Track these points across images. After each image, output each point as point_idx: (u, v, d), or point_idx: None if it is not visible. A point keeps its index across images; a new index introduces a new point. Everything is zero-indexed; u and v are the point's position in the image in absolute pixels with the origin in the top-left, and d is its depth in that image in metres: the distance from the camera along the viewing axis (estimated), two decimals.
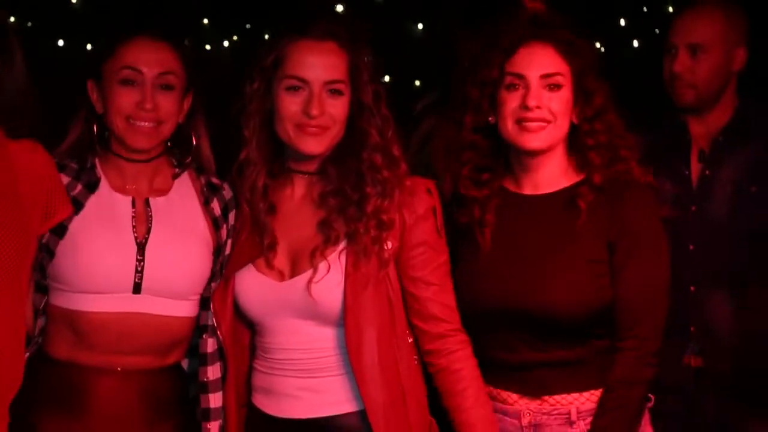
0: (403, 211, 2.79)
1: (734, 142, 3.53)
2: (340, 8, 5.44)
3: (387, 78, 5.26)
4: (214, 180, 2.96)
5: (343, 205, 2.78)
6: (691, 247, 3.44)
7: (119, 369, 2.79)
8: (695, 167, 3.55)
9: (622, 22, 5.41)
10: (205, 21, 5.51)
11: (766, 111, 3.57)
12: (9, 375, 2.65)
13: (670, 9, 3.75)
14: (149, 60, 2.81)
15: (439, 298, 2.81)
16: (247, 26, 5.45)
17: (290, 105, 2.76)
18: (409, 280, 2.80)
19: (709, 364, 3.43)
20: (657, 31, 3.92)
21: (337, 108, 2.77)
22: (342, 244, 2.76)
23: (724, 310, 3.43)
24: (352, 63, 2.80)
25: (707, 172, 3.50)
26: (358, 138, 2.80)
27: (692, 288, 3.43)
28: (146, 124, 2.81)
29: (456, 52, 3.40)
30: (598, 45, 3.75)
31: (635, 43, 5.40)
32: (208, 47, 5.46)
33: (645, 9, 5.36)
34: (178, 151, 2.94)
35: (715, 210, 3.46)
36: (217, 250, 2.88)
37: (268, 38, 2.86)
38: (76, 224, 2.79)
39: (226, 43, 5.53)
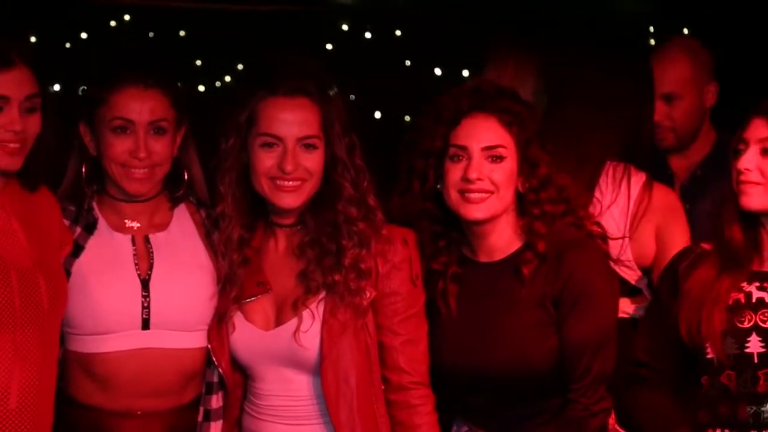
0: (377, 260, 2.82)
1: (712, 174, 3.57)
2: (329, 46, 5.52)
3: (378, 114, 5.40)
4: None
5: (320, 255, 2.81)
6: None
7: (139, 412, 2.85)
8: None
9: None
10: (198, 62, 5.57)
11: None
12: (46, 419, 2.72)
13: None
14: (140, 109, 2.84)
15: (405, 349, 2.83)
16: (239, 67, 5.50)
17: (265, 161, 2.80)
18: (379, 328, 2.83)
19: None
20: None
21: (312, 161, 2.82)
22: (322, 294, 2.81)
23: None
24: (325, 116, 2.83)
25: (687, 205, 3.54)
26: (333, 190, 2.84)
27: None
28: (141, 170, 2.85)
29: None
30: None
31: None
32: (201, 88, 5.51)
33: None
34: (174, 186, 2.98)
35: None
36: (224, 285, 2.90)
37: (239, 95, 2.88)
38: (79, 267, 2.85)
39: (218, 84, 5.58)
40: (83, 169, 2.91)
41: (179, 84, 3.20)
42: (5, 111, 2.63)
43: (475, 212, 2.90)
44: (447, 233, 2.99)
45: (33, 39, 4.98)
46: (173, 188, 2.98)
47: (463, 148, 2.90)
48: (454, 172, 2.91)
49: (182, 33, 5.58)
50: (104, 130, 2.86)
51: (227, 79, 5.57)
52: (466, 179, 2.88)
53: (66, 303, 2.78)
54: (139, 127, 2.84)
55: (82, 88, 2.98)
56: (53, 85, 5.28)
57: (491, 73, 3.70)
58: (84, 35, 5.47)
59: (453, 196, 2.91)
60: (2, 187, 2.73)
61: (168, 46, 5.50)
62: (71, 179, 2.95)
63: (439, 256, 2.97)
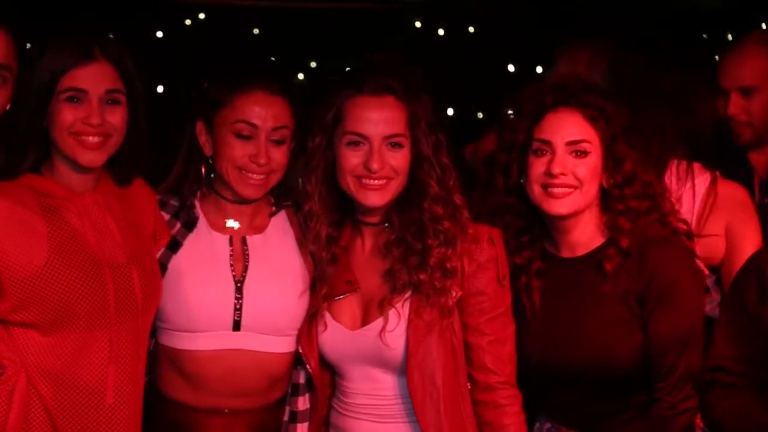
0: (463, 259, 2.81)
1: None
2: (402, 43, 5.52)
3: (451, 111, 5.39)
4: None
5: (405, 254, 2.82)
6: None
7: (226, 410, 2.88)
8: (758, 197, 3.56)
9: None
10: (272, 60, 5.60)
11: None
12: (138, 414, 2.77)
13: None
14: (266, 115, 2.85)
15: (492, 348, 2.82)
16: (312, 65, 5.53)
17: (351, 159, 2.81)
18: (465, 328, 2.83)
19: None
20: None
21: (398, 160, 2.82)
22: (408, 293, 2.81)
23: None
24: (411, 115, 2.84)
25: (765, 200, 3.50)
26: (419, 189, 2.84)
27: None
28: (258, 176, 2.87)
29: None
30: None
31: None
32: None
33: None
34: (277, 190, 2.99)
35: None
36: (314, 285, 2.93)
37: (328, 95, 2.89)
38: (176, 263, 2.88)
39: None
40: (201, 168, 2.94)
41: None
42: (83, 104, 2.65)
43: (558, 207, 2.89)
44: (530, 228, 2.99)
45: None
46: (279, 194, 3.00)
47: (547, 143, 2.89)
48: (538, 167, 2.90)
49: (256, 31, 5.61)
50: (225, 132, 2.87)
51: (300, 77, 5.60)
52: (549, 174, 2.87)
53: (160, 298, 2.82)
54: (262, 132, 2.85)
55: (204, 87, 2.96)
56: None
57: (562, 68, 3.70)
58: (159, 34, 5.54)
59: (536, 190, 2.91)
60: (95, 184, 2.76)
61: (242, 44, 5.54)
62: (177, 175, 2.98)
63: (522, 251, 2.97)
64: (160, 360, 2.91)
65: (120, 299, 2.68)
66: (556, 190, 2.88)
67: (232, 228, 2.93)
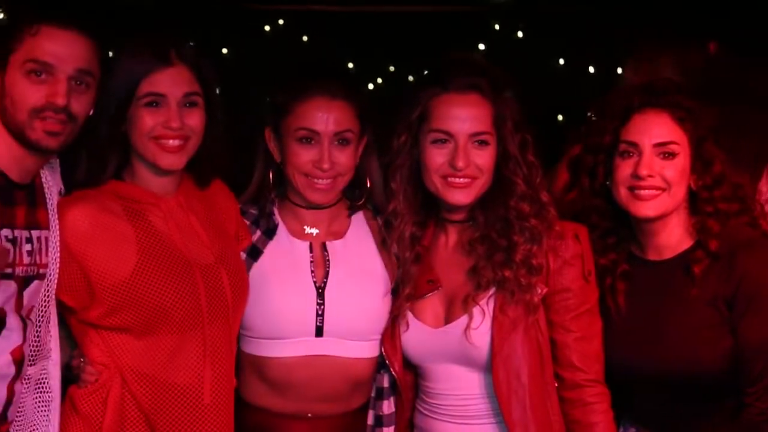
0: (549, 256, 2.78)
1: None
2: (482, 46, 5.51)
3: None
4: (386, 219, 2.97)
5: (490, 251, 2.79)
6: None
7: (309, 415, 2.87)
8: None
9: None
10: (350, 65, 5.62)
11: None
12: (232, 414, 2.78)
13: None
14: (327, 119, 2.83)
15: (578, 346, 2.78)
16: (391, 69, 5.53)
17: (436, 157, 2.79)
18: (550, 325, 2.79)
19: None
20: None
21: (484, 158, 2.80)
22: (492, 290, 2.78)
23: None
24: (497, 113, 2.81)
25: None
26: (505, 187, 2.82)
27: None
28: (324, 181, 2.85)
29: None
30: None
31: None
32: None
33: None
34: (353, 194, 2.99)
35: None
36: (395, 289, 2.91)
37: (412, 93, 2.88)
38: (257, 271, 2.87)
39: (371, 86, 5.63)
40: (269, 175, 2.93)
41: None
42: (162, 108, 2.66)
43: (645, 209, 2.84)
44: (616, 230, 2.94)
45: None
46: (352, 196, 2.99)
47: (634, 145, 2.84)
48: (624, 169, 2.85)
49: (335, 36, 5.65)
50: (289, 139, 2.86)
51: (379, 81, 5.62)
52: (636, 176, 2.82)
53: (248, 296, 2.82)
54: (324, 137, 2.84)
55: (270, 95, 2.98)
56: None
57: (647, 69, 3.66)
58: (240, 40, 5.59)
59: (623, 193, 2.86)
60: (176, 186, 2.78)
61: (320, 50, 5.57)
62: (258, 182, 2.97)
63: (607, 253, 2.92)
64: (243, 367, 2.90)
65: (211, 299, 2.69)
66: (644, 193, 2.83)
67: (311, 234, 2.93)
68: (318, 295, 2.83)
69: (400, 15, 5.53)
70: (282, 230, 2.91)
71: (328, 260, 2.87)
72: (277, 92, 2.91)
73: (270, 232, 2.90)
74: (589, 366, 2.78)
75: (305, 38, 5.61)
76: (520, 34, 5.62)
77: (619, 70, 5.30)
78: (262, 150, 2.92)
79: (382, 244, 2.92)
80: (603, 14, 5.31)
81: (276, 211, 2.93)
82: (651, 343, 2.81)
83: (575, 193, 3.00)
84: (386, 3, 5.58)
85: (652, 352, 2.81)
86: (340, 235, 2.92)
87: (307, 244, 2.89)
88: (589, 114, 3.06)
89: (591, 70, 5.53)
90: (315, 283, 2.85)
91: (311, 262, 2.87)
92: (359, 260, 2.90)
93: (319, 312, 2.83)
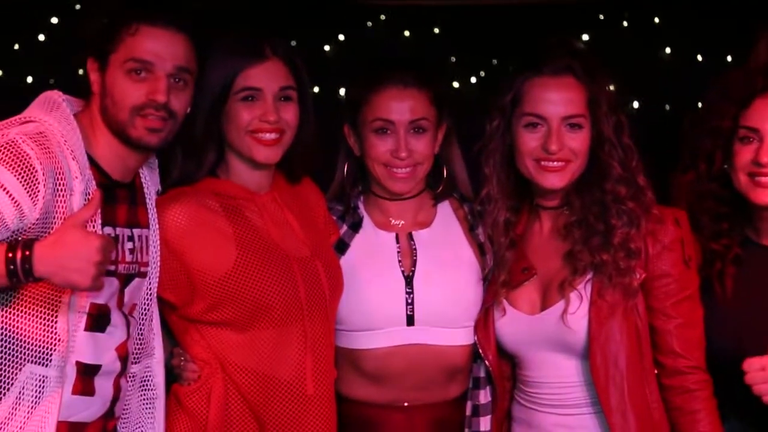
0: (647, 240, 2.75)
1: None
2: (585, 37, 5.43)
3: (636, 104, 5.26)
4: (478, 207, 2.98)
5: (587, 235, 2.77)
6: None
7: (406, 404, 2.89)
8: None
9: None
10: (453, 59, 5.59)
11: None
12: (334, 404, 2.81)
13: None
14: (401, 109, 2.86)
15: (680, 332, 2.74)
16: (494, 62, 5.49)
17: (529, 141, 2.78)
18: (650, 311, 2.76)
19: None
20: None
21: (577, 141, 2.77)
22: (589, 275, 2.75)
23: None
24: (591, 95, 2.78)
25: None
26: (600, 170, 2.79)
27: None
28: (403, 170, 2.88)
29: None
30: None
31: None
32: (456, 84, 5.53)
33: None
34: (437, 183, 3.00)
35: None
36: (486, 275, 2.92)
37: (506, 77, 2.87)
38: (345, 264, 2.91)
39: (473, 80, 5.59)
40: (346, 169, 2.98)
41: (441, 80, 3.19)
42: (258, 102, 2.70)
43: (766, 197, 2.78)
44: (732, 215, 2.88)
45: (293, 43, 5.13)
46: (436, 185, 3.00)
47: (755, 131, 2.78)
48: (744, 155, 2.80)
49: (436, 30, 5.61)
50: (366, 131, 2.90)
51: (482, 74, 5.57)
52: (757, 163, 2.77)
53: (342, 288, 2.86)
54: (399, 127, 2.86)
55: (345, 90, 3.02)
56: (312, 87, 5.43)
57: (763, 53, 3.55)
58: (341, 37, 5.61)
59: (742, 179, 2.81)
60: (270, 182, 2.82)
61: (423, 45, 5.55)
62: (340, 179, 3.02)
63: (720, 238, 2.86)
64: (338, 362, 2.91)
65: (310, 291, 2.73)
66: (764, 180, 2.77)
67: (397, 225, 2.95)
68: (407, 284, 2.84)
69: (501, 8, 5.48)
70: (368, 223, 2.93)
71: (415, 249, 2.88)
72: (352, 86, 2.94)
73: (356, 226, 2.92)
74: (690, 352, 2.72)
75: (407, 33, 5.58)
76: (624, 23, 5.52)
77: (729, 58, 5.18)
78: (343, 145, 2.95)
79: (470, 232, 2.90)
80: (711, 1, 5.21)
81: (361, 205, 2.96)
82: (759, 330, 2.74)
83: (691, 174, 2.93)
84: None
85: (760, 339, 2.71)
86: (426, 224, 2.93)
87: (393, 235, 2.91)
88: (672, 107, 2.98)
89: (699, 58, 5.41)
90: (403, 272, 2.85)
91: (398, 252, 2.88)
92: (447, 248, 2.90)
93: (409, 301, 2.84)
